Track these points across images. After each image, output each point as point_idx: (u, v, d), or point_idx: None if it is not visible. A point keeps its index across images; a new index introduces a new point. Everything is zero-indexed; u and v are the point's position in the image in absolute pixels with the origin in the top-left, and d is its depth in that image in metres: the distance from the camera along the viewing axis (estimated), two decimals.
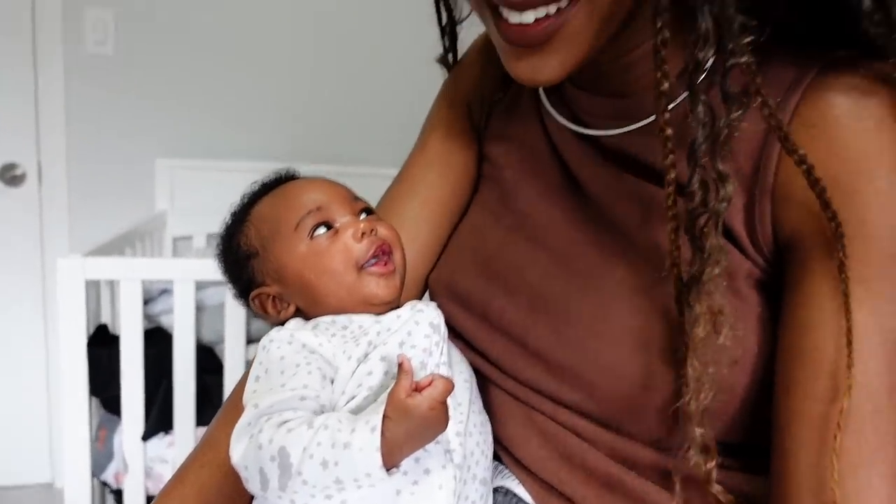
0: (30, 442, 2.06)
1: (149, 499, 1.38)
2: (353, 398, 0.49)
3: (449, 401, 0.47)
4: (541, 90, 0.60)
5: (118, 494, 1.43)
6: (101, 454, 1.37)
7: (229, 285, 0.62)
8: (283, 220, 0.56)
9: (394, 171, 0.70)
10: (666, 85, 0.42)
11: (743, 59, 0.40)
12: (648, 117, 0.50)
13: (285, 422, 0.45)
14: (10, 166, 1.93)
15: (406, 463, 0.45)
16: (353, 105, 2.11)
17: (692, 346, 0.43)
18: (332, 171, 2.30)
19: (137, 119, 1.97)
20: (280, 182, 0.62)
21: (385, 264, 0.55)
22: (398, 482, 0.46)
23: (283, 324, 0.56)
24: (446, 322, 0.58)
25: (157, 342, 1.38)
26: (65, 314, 1.26)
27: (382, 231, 0.56)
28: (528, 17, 0.43)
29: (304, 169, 2.02)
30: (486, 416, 0.56)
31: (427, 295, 0.66)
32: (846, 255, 0.40)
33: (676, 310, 0.45)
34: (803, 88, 0.44)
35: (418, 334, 0.52)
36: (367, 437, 0.42)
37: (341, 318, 0.54)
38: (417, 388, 0.43)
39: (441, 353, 0.52)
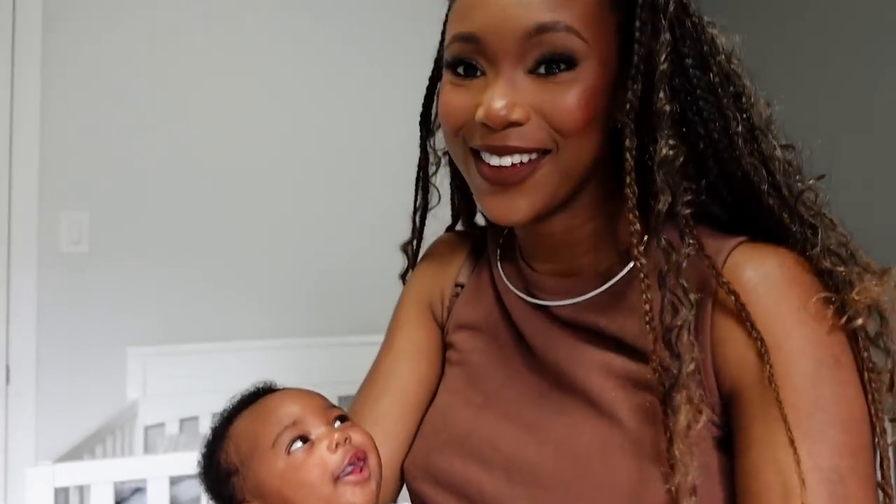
0: None
1: None
2: None
3: None
4: (499, 269, 0.67)
5: None
6: None
7: (210, 499, 0.63)
8: (260, 437, 0.59)
9: (368, 338, 0.74)
10: (638, 226, 0.52)
11: (686, 212, 0.51)
12: (593, 292, 0.58)
13: None
14: None
15: None
16: (327, 278, 2.19)
17: (676, 432, 0.48)
18: (306, 343, 2.33)
19: (108, 310, 2.00)
20: (258, 396, 0.65)
21: (360, 471, 0.58)
22: None
23: None
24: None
25: None
26: None
27: (356, 438, 0.59)
28: (506, 161, 0.52)
29: (280, 343, 2.08)
30: None
31: (404, 492, 0.68)
32: (780, 399, 0.47)
33: (661, 410, 0.50)
34: (724, 258, 0.53)
35: None
36: None
37: None
38: None
39: None
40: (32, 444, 1.91)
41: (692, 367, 0.49)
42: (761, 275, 0.51)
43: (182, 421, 2.01)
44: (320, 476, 0.57)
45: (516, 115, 0.50)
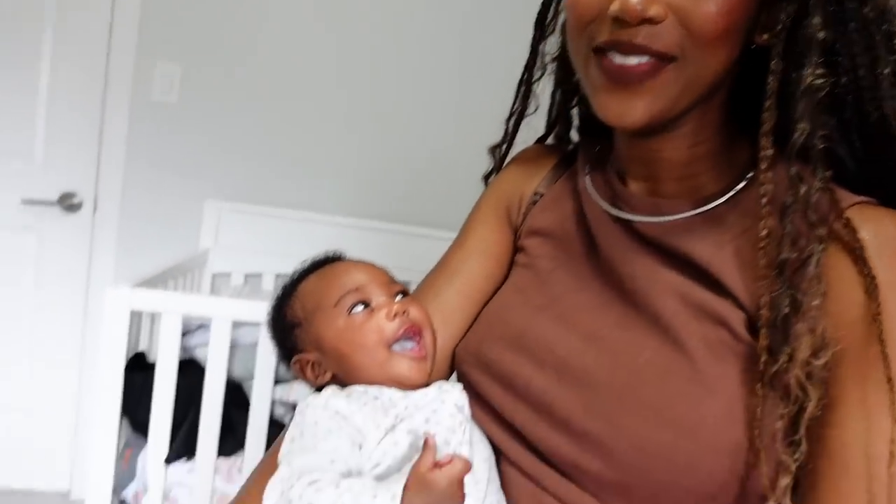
0: (52, 450, 2.14)
1: None
2: (377, 465, 0.54)
3: (468, 479, 0.52)
4: (586, 179, 0.66)
5: None
6: (125, 473, 1.45)
7: (276, 349, 0.69)
8: (324, 296, 0.63)
9: (442, 233, 0.77)
10: (770, 151, 0.51)
11: (821, 146, 0.50)
12: (684, 213, 0.57)
13: (315, 481, 0.49)
14: (70, 195, 2.08)
15: None
16: (404, 164, 2.22)
17: (796, 360, 0.48)
18: (376, 227, 2.41)
19: (192, 161, 2.12)
20: (327, 262, 0.69)
21: (417, 347, 0.61)
22: None
23: (320, 388, 0.62)
24: (472, 389, 0.63)
25: (190, 373, 1.47)
26: (107, 339, 1.36)
27: (414, 313, 0.62)
28: (632, 60, 0.51)
29: (346, 222, 2.17)
30: (503, 496, 0.59)
31: (455, 375, 0.71)
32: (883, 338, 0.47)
33: (764, 349, 0.49)
34: (843, 209, 0.51)
35: (443, 413, 0.57)
36: (387, 503, 0.47)
37: (372, 389, 0.59)
38: (438, 465, 0.47)
39: (464, 433, 0.56)
40: (112, 271, 2.10)
41: (817, 301, 0.48)
42: (878, 238, 0.50)
43: (247, 276, 2.15)
44: (376, 340, 0.60)
45: (654, 10, 0.49)
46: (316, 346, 0.63)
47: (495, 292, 0.72)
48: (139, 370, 1.44)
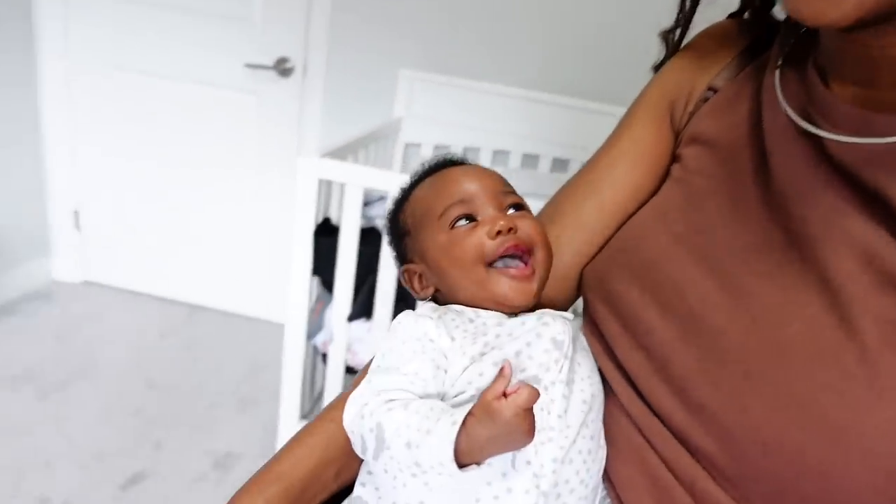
0: (272, 288, 2.47)
1: (347, 368, 1.62)
2: (461, 393, 0.51)
3: (555, 421, 0.48)
4: (776, 76, 0.52)
5: (324, 357, 1.69)
6: (315, 322, 1.62)
7: (393, 253, 0.66)
8: (431, 207, 0.59)
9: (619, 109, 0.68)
10: None
11: None
12: None
13: (390, 400, 0.49)
14: (283, 59, 2.21)
15: (492, 474, 0.47)
16: (604, 39, 2.04)
17: None
18: (571, 104, 2.27)
19: (389, 31, 2.12)
20: (444, 166, 0.64)
21: (523, 266, 0.56)
22: (480, 491, 0.48)
23: (423, 299, 0.61)
24: (591, 319, 0.58)
25: (371, 241, 1.56)
26: (299, 203, 1.47)
27: (524, 230, 0.57)
28: None
29: (542, 98, 2.04)
30: (602, 443, 0.54)
31: (568, 304, 0.65)
32: None
33: None
34: None
35: (538, 347, 0.52)
36: (447, 429, 0.44)
37: (469, 311, 0.56)
38: (506, 394, 0.43)
39: (560, 371, 0.51)
40: (318, 134, 2.25)
41: None
42: None
43: (436, 146, 2.17)
44: (473, 258, 0.56)
45: None
46: (421, 257, 0.60)
47: (639, 206, 0.63)
48: (328, 234, 1.55)
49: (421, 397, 0.50)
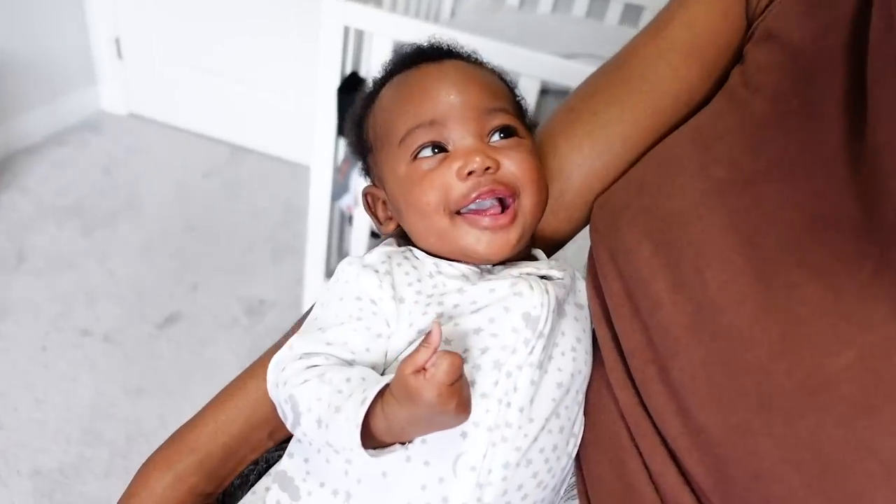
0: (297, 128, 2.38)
1: (372, 233, 1.56)
2: None
3: (514, 416, 0.39)
4: None
5: (350, 220, 1.64)
6: (341, 184, 1.54)
7: (358, 163, 0.55)
8: (392, 125, 0.47)
9: None
10: None
11: None
12: None
13: (309, 367, 0.42)
14: None
15: (427, 476, 0.39)
16: None
17: None
18: None
19: None
20: (419, 59, 0.49)
21: (499, 213, 0.44)
22: (412, 495, 0.40)
23: (386, 234, 0.51)
24: (594, 271, 0.46)
25: None
26: (322, 55, 1.32)
27: (507, 169, 0.44)
28: None
29: None
30: (575, 430, 0.45)
31: (573, 234, 0.54)
32: None
33: None
34: None
35: (504, 324, 0.42)
36: (355, 408, 0.36)
37: (429, 263, 0.46)
38: (424, 368, 0.35)
39: (531, 353, 0.41)
40: None
41: None
42: None
43: None
44: (435, 203, 0.44)
45: None
46: (381, 185, 0.50)
47: (680, 118, 0.48)
48: (356, 90, 1.41)
49: (343, 364, 0.42)
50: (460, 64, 0.49)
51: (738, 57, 0.47)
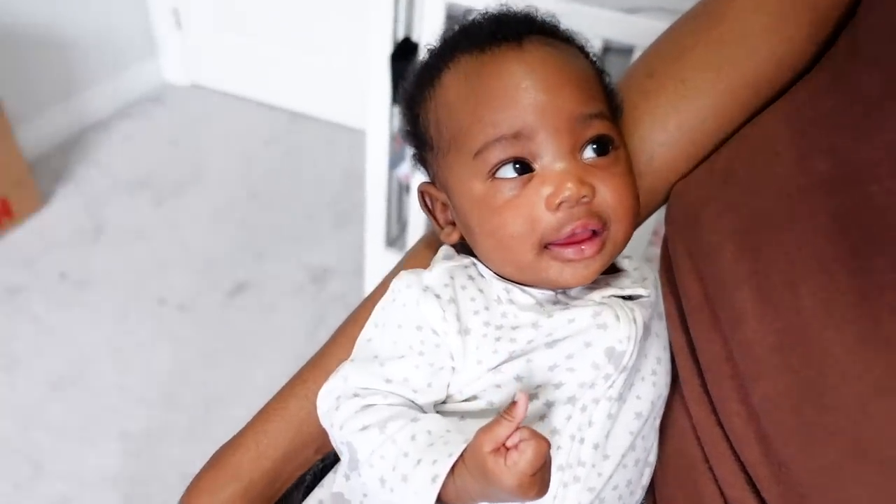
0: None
1: None
2: (472, 399, 0.40)
3: (588, 454, 0.36)
4: None
5: (408, 189, 1.63)
6: (398, 153, 1.53)
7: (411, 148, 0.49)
8: (465, 130, 0.40)
9: None
10: None
11: None
12: None
13: (365, 407, 0.39)
14: None
15: None
16: None
17: None
18: None
19: None
20: (497, 39, 0.41)
21: (587, 241, 0.39)
22: None
23: (446, 242, 0.46)
24: (670, 268, 0.42)
25: None
26: (372, 20, 1.30)
27: (602, 198, 0.39)
28: None
29: None
30: (650, 459, 0.41)
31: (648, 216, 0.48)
32: None
33: None
34: None
35: (584, 360, 0.38)
36: (426, 486, 0.34)
37: (498, 288, 0.41)
38: (505, 449, 0.32)
39: (610, 386, 0.38)
40: None
41: None
42: None
43: None
44: (521, 235, 0.39)
45: None
46: (447, 192, 0.44)
47: (779, 87, 0.42)
48: (408, 57, 1.38)
49: (404, 406, 0.39)
50: (545, 50, 0.41)
51: (852, 9, 0.41)
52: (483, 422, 0.34)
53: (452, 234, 0.46)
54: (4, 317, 1.64)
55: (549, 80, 0.39)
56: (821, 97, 0.39)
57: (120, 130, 2.30)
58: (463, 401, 0.41)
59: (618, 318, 0.39)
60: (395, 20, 1.31)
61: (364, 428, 0.38)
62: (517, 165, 0.39)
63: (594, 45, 1.15)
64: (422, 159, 0.47)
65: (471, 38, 0.42)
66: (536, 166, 0.39)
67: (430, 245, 0.50)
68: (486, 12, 0.44)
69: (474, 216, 0.41)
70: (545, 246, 0.40)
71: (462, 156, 0.41)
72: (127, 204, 2.02)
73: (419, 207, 0.49)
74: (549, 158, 0.39)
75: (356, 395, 0.40)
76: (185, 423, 1.46)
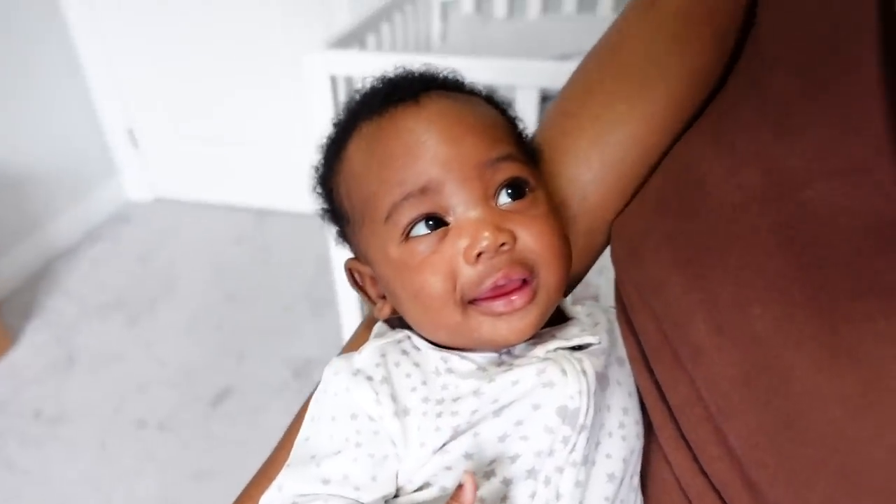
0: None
1: None
2: (424, 486, 0.37)
3: None
4: None
5: None
6: None
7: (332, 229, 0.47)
8: (373, 197, 0.39)
9: None
10: None
11: None
12: None
13: None
14: None
15: None
16: None
17: None
18: None
19: None
20: (391, 97, 0.40)
21: (517, 291, 0.36)
22: None
23: (380, 318, 0.44)
24: (625, 307, 0.39)
25: None
26: (314, 110, 1.31)
27: (524, 244, 0.37)
28: None
29: None
30: None
31: (592, 264, 0.46)
32: None
33: None
34: None
35: (535, 425, 0.35)
36: None
37: (434, 358, 0.39)
38: None
39: (572, 450, 0.35)
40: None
41: None
42: None
43: (477, 1, 1.89)
44: (442, 294, 0.36)
45: None
46: (368, 264, 0.42)
47: (696, 107, 0.41)
48: None
49: None
50: (443, 103, 0.40)
51: (752, 14, 0.40)
52: None
53: (384, 307, 0.43)
54: None
55: (451, 131, 0.38)
56: (738, 106, 0.38)
57: (87, 255, 2.28)
58: (415, 491, 0.37)
59: (564, 372, 0.36)
60: (337, 105, 1.31)
61: None
62: (430, 222, 0.38)
63: (532, 97, 1.16)
64: (343, 235, 0.46)
65: (369, 105, 0.41)
66: (450, 219, 0.38)
67: (369, 326, 0.48)
68: (384, 76, 0.44)
69: (397, 282, 0.39)
70: (470, 302, 0.37)
71: (374, 224, 0.40)
72: (99, 329, 1.98)
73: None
74: (462, 209, 0.37)
75: None
76: None
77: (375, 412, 0.37)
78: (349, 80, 1.35)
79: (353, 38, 1.38)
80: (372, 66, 1.20)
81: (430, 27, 1.91)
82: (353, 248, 0.45)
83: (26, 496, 1.48)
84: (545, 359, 0.37)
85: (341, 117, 0.44)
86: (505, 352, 0.40)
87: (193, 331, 1.95)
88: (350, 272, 0.45)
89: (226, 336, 1.93)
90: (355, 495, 0.36)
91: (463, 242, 0.36)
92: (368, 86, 0.44)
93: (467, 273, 0.36)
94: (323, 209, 0.46)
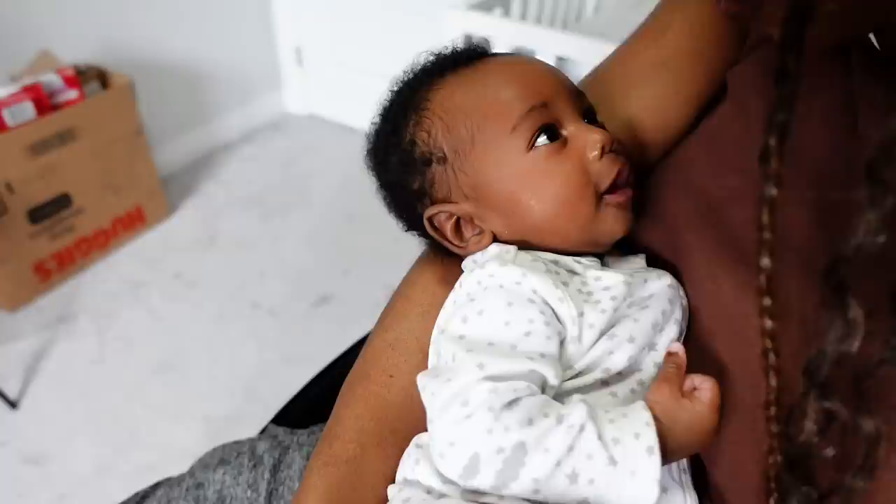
0: None
1: None
2: (584, 372, 0.38)
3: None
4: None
5: None
6: None
7: (383, 196, 0.49)
8: (493, 117, 0.42)
9: None
10: None
11: None
12: None
13: (515, 400, 0.34)
14: None
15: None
16: None
17: None
18: None
19: None
20: (472, 56, 0.45)
21: (625, 189, 0.43)
22: None
23: (469, 254, 0.45)
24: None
25: None
26: None
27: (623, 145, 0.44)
28: None
29: None
30: None
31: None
32: None
33: None
34: None
35: (671, 317, 0.41)
36: (642, 459, 0.32)
37: (568, 260, 0.42)
38: (685, 394, 0.35)
39: (679, 334, 0.42)
40: None
41: None
42: None
43: None
44: (581, 189, 0.41)
45: None
46: (473, 193, 0.43)
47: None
48: None
49: (543, 386, 0.37)
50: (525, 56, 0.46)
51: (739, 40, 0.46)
52: (599, 395, 0.36)
53: (482, 239, 0.44)
54: (127, 306, 1.90)
55: (549, 65, 0.46)
56: (727, 125, 0.45)
57: (242, 153, 2.59)
58: (574, 377, 0.39)
59: (658, 276, 0.43)
60: None
61: (532, 421, 0.33)
62: (547, 136, 0.42)
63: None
64: (418, 191, 0.46)
65: (450, 60, 0.46)
66: (564, 131, 0.43)
67: (430, 264, 0.51)
68: (449, 47, 0.49)
69: (525, 190, 0.42)
70: (601, 197, 0.42)
71: (493, 138, 0.42)
72: (239, 218, 2.27)
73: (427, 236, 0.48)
74: (571, 122, 0.43)
75: (505, 392, 0.35)
76: (261, 414, 1.62)
77: (553, 295, 0.38)
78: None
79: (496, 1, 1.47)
80: (499, 30, 1.30)
81: (585, 4, 1.94)
82: (440, 188, 0.45)
83: (156, 339, 1.80)
84: (661, 272, 0.43)
85: (403, 84, 0.48)
86: (599, 257, 0.45)
87: (313, 239, 2.19)
88: (430, 221, 0.46)
89: (339, 250, 2.15)
90: (551, 374, 0.37)
91: (591, 141, 0.42)
92: (435, 55, 0.48)
93: (597, 167, 0.42)
94: (381, 167, 0.48)
